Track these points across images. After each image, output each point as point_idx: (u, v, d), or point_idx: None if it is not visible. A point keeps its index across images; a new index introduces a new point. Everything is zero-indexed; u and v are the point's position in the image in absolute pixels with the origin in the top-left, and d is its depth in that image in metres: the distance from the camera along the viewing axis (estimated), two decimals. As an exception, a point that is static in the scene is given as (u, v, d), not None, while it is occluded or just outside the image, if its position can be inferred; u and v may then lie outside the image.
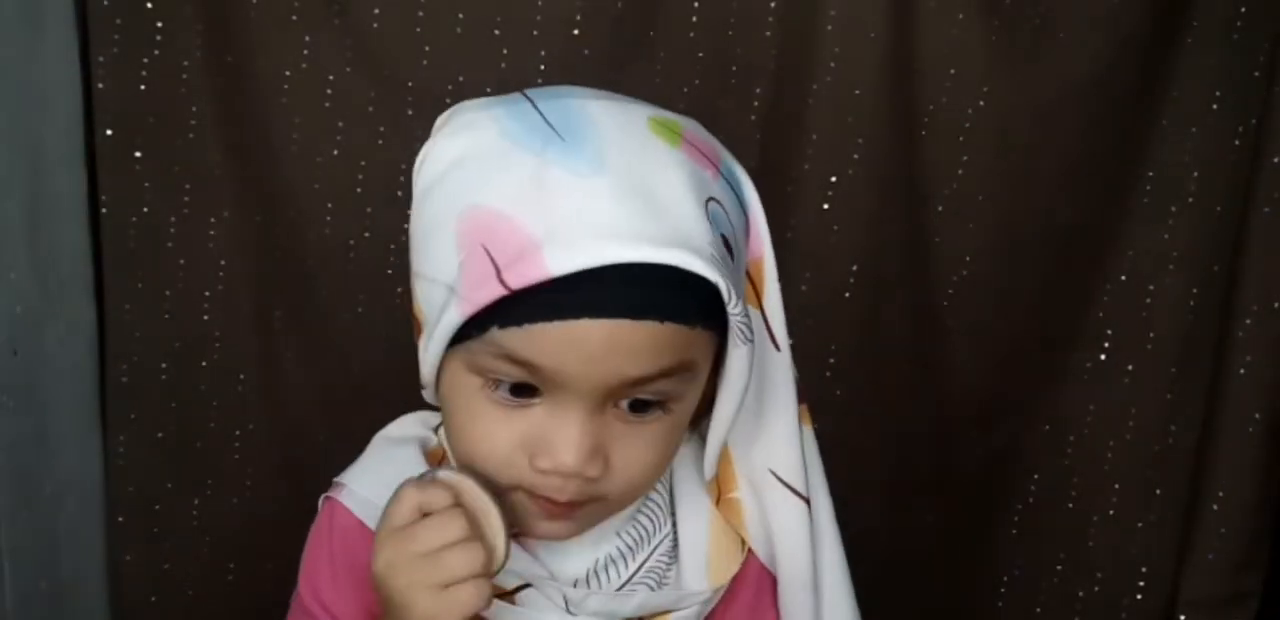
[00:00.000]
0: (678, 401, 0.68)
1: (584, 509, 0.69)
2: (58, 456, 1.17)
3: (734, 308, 0.64)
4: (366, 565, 0.67)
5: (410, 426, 0.79)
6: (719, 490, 0.76)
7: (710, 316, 0.65)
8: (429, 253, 0.67)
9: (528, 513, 0.69)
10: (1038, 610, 1.31)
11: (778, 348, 0.73)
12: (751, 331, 0.67)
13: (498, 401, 0.66)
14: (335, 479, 0.78)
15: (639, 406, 0.66)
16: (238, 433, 1.25)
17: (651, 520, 0.75)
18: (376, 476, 0.74)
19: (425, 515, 0.65)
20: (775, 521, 0.75)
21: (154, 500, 1.24)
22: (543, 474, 0.66)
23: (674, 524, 0.76)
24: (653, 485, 0.73)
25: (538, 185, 0.63)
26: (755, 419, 0.74)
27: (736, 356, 0.67)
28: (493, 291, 0.62)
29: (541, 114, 0.66)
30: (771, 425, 0.74)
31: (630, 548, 0.74)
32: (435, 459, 0.76)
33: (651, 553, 0.75)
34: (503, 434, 0.66)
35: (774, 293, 0.72)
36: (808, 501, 0.75)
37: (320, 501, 0.78)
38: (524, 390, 0.65)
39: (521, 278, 0.61)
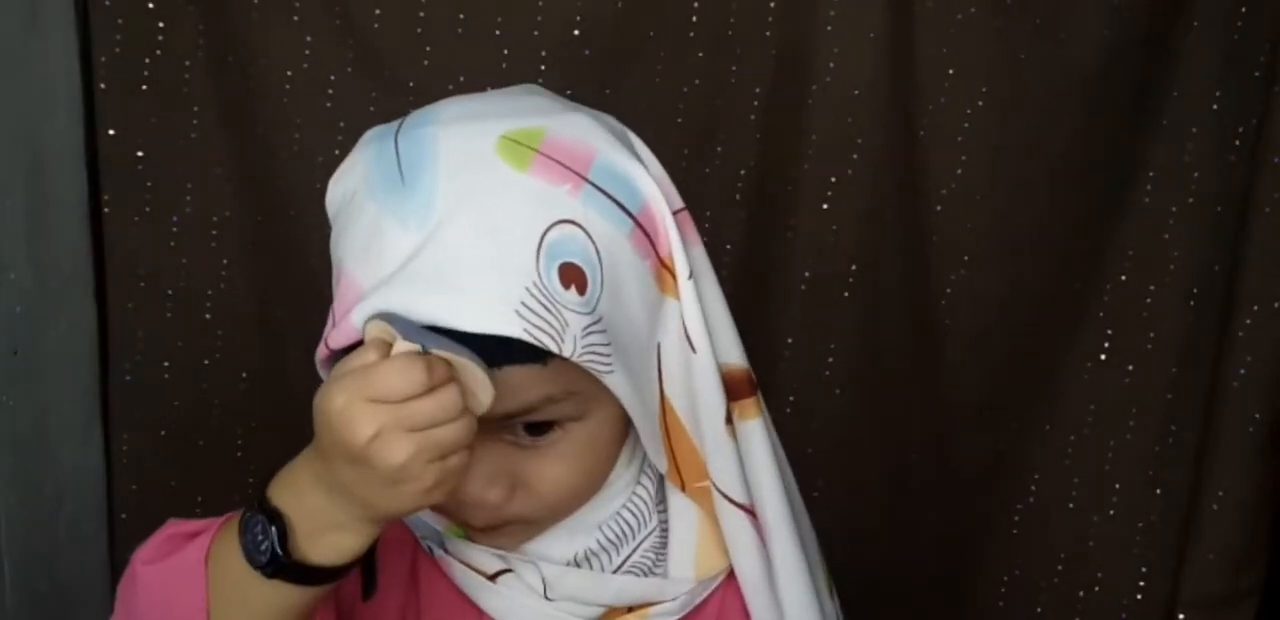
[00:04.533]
0: (574, 421, 0.67)
1: (506, 529, 0.69)
2: (58, 456, 1.17)
3: (567, 351, 0.62)
4: None
5: None
6: (682, 480, 0.74)
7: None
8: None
9: (467, 528, 0.70)
10: (1038, 610, 1.31)
11: (694, 350, 0.69)
12: (609, 358, 0.64)
13: None
14: None
15: (534, 429, 0.66)
16: (239, 432, 1.25)
17: (635, 515, 0.75)
18: None
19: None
20: (724, 529, 0.74)
21: (155, 499, 1.24)
22: (455, 503, 0.66)
23: (663, 518, 0.76)
24: (583, 500, 0.71)
25: (368, 240, 0.64)
26: (693, 426, 0.72)
27: (609, 384, 0.65)
28: (322, 350, 0.64)
29: (397, 151, 0.66)
30: (702, 436, 0.72)
31: (613, 542, 0.73)
32: None
33: (637, 547, 0.74)
34: None
35: (685, 290, 0.69)
36: (749, 512, 0.74)
37: None
38: None
39: (337, 339, 0.63)
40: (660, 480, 0.75)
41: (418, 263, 0.62)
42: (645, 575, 0.74)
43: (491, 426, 0.64)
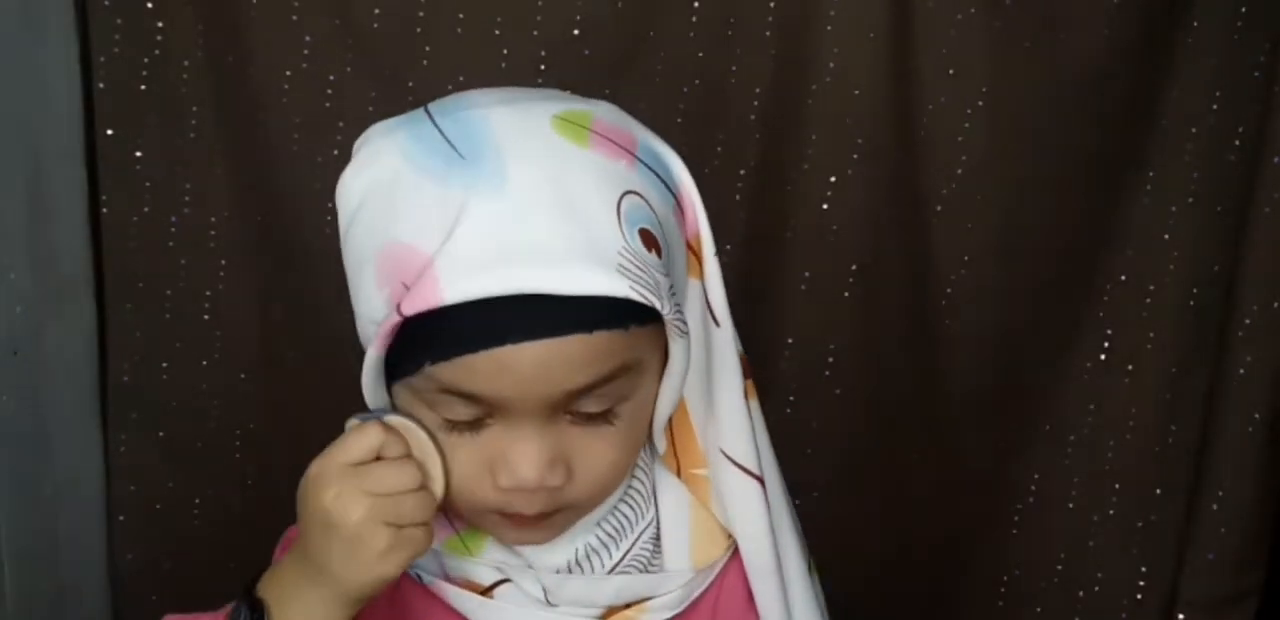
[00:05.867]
0: (627, 400, 0.67)
1: (555, 517, 0.69)
2: (58, 456, 1.17)
3: (664, 309, 0.63)
4: None
5: None
6: (678, 464, 0.75)
7: (644, 311, 0.64)
8: (358, 292, 0.68)
9: (500, 525, 0.70)
10: (1038, 610, 1.31)
11: (717, 323, 0.72)
12: (686, 324, 0.67)
13: (453, 426, 0.67)
14: None
15: (589, 418, 0.67)
16: (238, 432, 1.25)
17: (634, 508, 0.75)
18: None
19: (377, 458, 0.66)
20: (732, 504, 0.75)
21: (154, 500, 1.24)
22: (507, 492, 0.66)
23: (657, 509, 0.76)
24: (620, 483, 0.72)
25: (441, 211, 0.63)
26: (704, 397, 0.73)
27: (676, 349, 0.67)
28: (391, 321, 0.63)
29: (441, 131, 0.65)
30: (718, 403, 0.73)
31: (611, 537, 0.74)
32: None
33: (635, 541, 0.75)
34: (462, 457, 0.67)
35: (713, 267, 0.72)
36: (761, 481, 0.74)
37: None
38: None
39: (413, 305, 0.61)
40: (651, 474, 0.76)
41: (509, 234, 0.62)
42: (643, 570, 0.74)
43: (559, 406, 0.65)
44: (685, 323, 0.66)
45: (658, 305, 0.62)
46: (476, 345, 0.62)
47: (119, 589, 1.26)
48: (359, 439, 0.65)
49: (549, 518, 0.69)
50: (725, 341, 0.72)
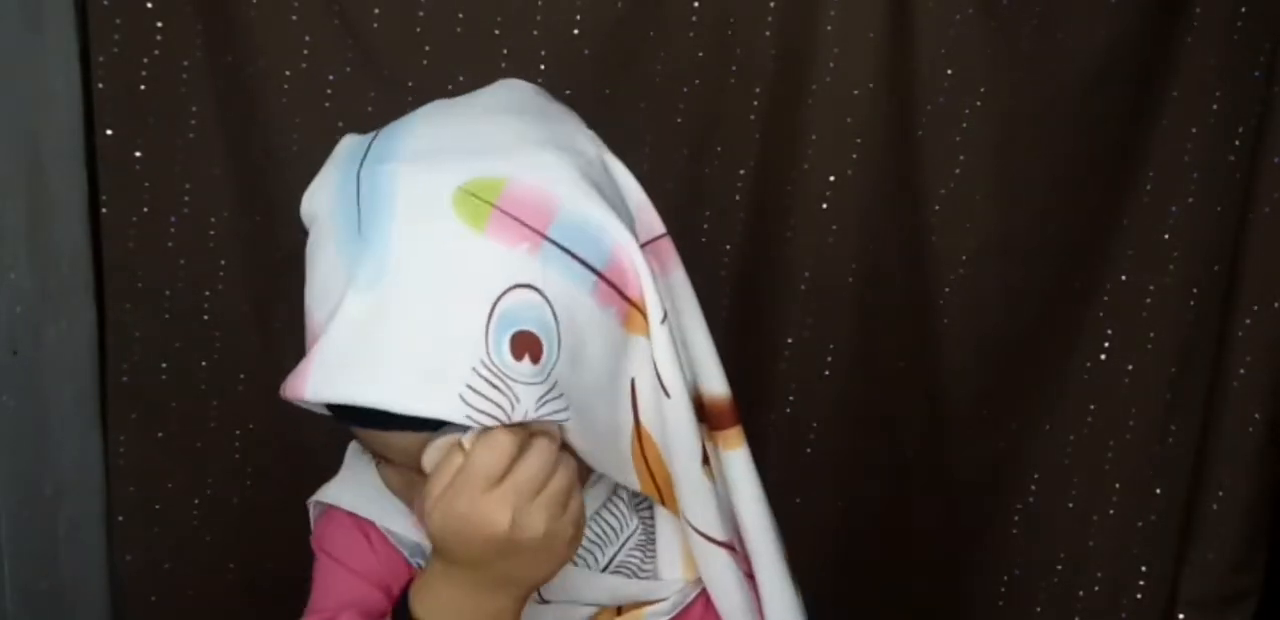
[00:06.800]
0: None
1: None
2: (58, 456, 1.17)
3: (519, 418, 0.62)
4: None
5: None
6: (662, 496, 0.75)
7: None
8: None
9: None
10: (1038, 610, 1.31)
11: (667, 394, 0.69)
12: (566, 413, 0.64)
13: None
14: (317, 498, 0.79)
15: None
16: (238, 433, 1.25)
17: (616, 516, 0.76)
18: (358, 488, 0.77)
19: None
20: (702, 570, 0.75)
21: (154, 500, 1.24)
22: None
23: (644, 519, 0.76)
24: None
25: (326, 293, 0.65)
26: (669, 458, 0.72)
27: (567, 433, 0.66)
28: (281, 391, 0.66)
29: (358, 189, 0.65)
30: (676, 475, 0.72)
31: (596, 543, 0.74)
32: None
33: (621, 547, 0.75)
34: (395, 479, 0.71)
35: (660, 335, 0.67)
36: (730, 547, 0.74)
37: (312, 517, 0.79)
38: None
39: (290, 390, 0.64)
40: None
41: (369, 339, 0.62)
42: (635, 576, 0.75)
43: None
44: (563, 414, 0.64)
45: (501, 423, 0.61)
46: (345, 422, 0.66)
47: (119, 589, 1.26)
48: (489, 453, 0.62)
49: None
50: (678, 412, 0.69)
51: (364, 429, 0.66)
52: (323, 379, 0.63)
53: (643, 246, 0.67)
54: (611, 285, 0.66)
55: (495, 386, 0.61)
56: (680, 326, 0.71)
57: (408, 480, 0.69)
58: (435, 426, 0.63)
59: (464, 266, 0.62)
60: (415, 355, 0.61)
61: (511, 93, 0.73)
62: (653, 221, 0.71)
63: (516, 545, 0.62)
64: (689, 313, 0.73)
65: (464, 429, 0.62)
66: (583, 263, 0.65)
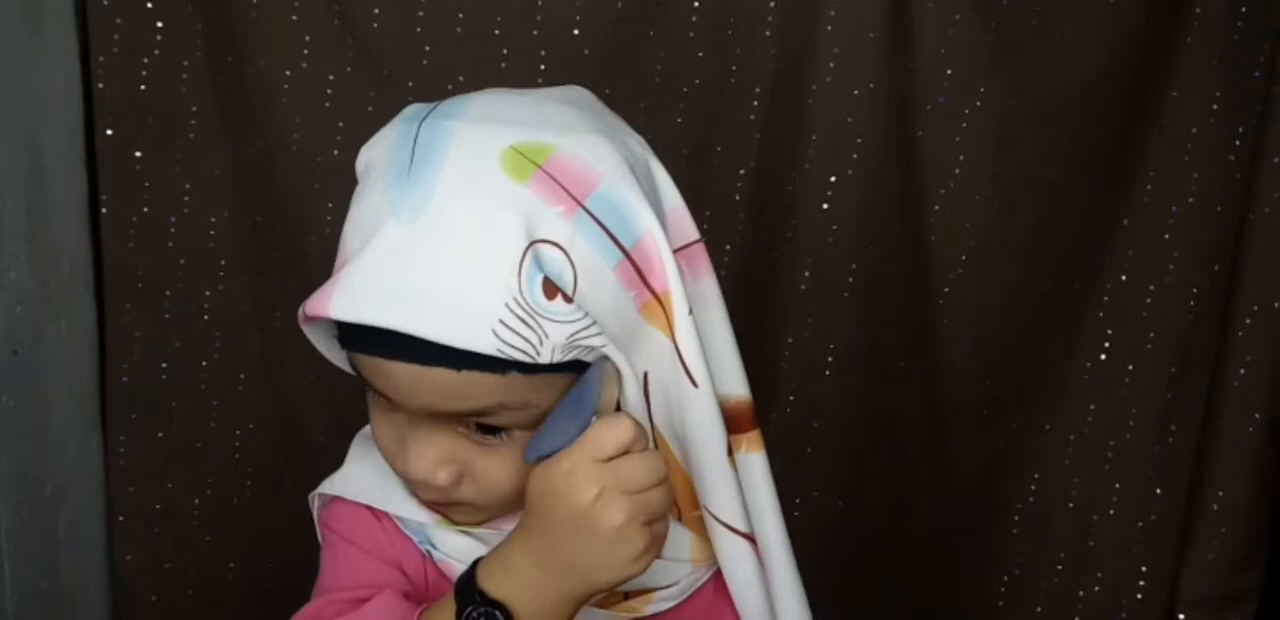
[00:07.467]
0: (524, 429, 0.68)
1: (456, 508, 0.72)
2: (58, 456, 1.17)
3: (545, 360, 0.63)
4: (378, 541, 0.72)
5: None
6: (678, 510, 0.75)
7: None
8: None
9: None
10: (1038, 610, 1.31)
11: (695, 384, 0.69)
12: (603, 340, 0.66)
13: (379, 401, 0.69)
14: (321, 491, 0.79)
15: (484, 429, 0.68)
16: (238, 433, 1.25)
17: None
18: (362, 478, 0.77)
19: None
20: (723, 561, 0.75)
21: (154, 500, 1.24)
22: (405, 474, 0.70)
23: None
24: (517, 494, 0.71)
25: (366, 223, 0.65)
26: (684, 459, 0.72)
27: (610, 354, 0.67)
28: (300, 314, 0.66)
29: (416, 137, 0.67)
30: (698, 464, 0.72)
31: None
32: None
33: None
34: (385, 429, 0.70)
35: (685, 328, 0.68)
36: (751, 539, 0.74)
37: (315, 509, 0.79)
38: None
39: (312, 308, 0.64)
40: None
41: (404, 266, 0.63)
42: None
43: (447, 418, 0.67)
44: (599, 340, 0.66)
45: (529, 360, 0.63)
46: (358, 349, 0.66)
47: (119, 589, 1.26)
48: (613, 432, 0.64)
49: (449, 507, 0.72)
50: (704, 403, 0.70)
51: (381, 358, 0.65)
52: (351, 299, 0.63)
53: (676, 251, 0.69)
54: (636, 268, 0.67)
55: (527, 323, 0.63)
56: (706, 326, 0.72)
57: (398, 434, 0.69)
58: (453, 362, 0.63)
59: (503, 209, 0.64)
60: (450, 285, 0.62)
61: (571, 92, 0.75)
62: (688, 227, 0.73)
63: (592, 525, 0.63)
64: (716, 320, 0.73)
65: (497, 369, 0.63)
66: (612, 238, 0.66)
